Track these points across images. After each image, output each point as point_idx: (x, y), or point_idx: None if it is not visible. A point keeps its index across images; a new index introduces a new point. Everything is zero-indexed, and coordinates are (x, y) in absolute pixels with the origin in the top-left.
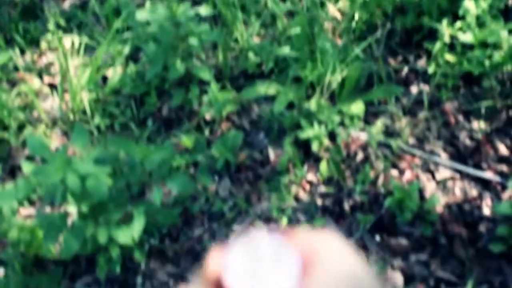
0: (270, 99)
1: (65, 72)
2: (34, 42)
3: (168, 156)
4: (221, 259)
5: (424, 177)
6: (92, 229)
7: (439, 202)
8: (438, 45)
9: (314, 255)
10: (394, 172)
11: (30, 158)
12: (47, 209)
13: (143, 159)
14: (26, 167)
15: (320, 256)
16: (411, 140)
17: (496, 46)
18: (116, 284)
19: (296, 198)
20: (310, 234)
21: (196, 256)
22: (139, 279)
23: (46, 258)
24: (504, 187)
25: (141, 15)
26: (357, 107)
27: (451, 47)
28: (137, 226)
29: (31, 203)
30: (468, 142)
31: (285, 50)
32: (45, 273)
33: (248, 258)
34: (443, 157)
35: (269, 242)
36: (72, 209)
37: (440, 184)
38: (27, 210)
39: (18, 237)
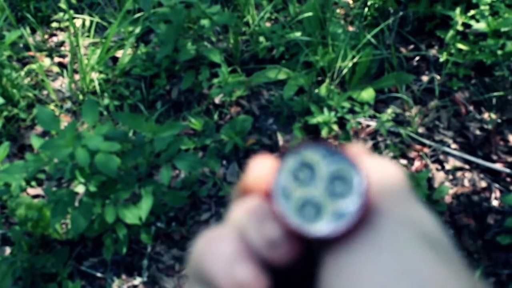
0: (280, 84)
1: (75, 51)
2: (45, 21)
3: (177, 134)
4: (270, 170)
5: (433, 167)
6: (99, 207)
7: (448, 193)
8: (450, 33)
9: (379, 187)
10: (403, 161)
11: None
12: (55, 189)
13: (153, 136)
14: (36, 142)
15: (386, 192)
16: (421, 129)
17: (509, 35)
18: (122, 266)
19: None
20: (376, 160)
21: None
22: (145, 262)
23: (52, 238)
24: None
25: None
26: (368, 94)
27: (464, 36)
28: (145, 206)
29: (39, 184)
30: (478, 132)
31: (296, 34)
32: (52, 253)
33: (301, 173)
34: (453, 147)
35: (327, 157)
36: (80, 189)
37: (449, 174)
38: (35, 190)
39: (26, 215)
